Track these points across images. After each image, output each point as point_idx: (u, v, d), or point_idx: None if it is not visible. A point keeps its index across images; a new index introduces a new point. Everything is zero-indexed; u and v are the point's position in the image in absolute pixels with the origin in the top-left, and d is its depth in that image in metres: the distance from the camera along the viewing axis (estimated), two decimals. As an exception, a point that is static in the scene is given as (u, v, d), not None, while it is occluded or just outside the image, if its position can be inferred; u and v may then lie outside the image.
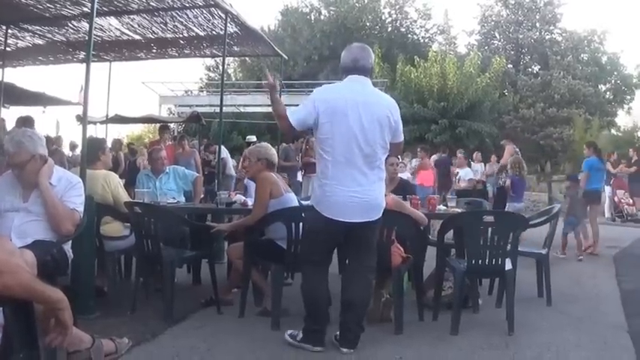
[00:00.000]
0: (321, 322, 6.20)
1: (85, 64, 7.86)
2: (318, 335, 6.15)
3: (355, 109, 6.01)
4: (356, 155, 6.03)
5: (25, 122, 14.54)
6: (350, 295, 6.18)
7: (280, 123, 6.26)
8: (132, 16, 11.77)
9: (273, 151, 8.14)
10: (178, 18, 11.78)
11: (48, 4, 10.92)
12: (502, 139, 20.30)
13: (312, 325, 6.17)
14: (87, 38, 8.27)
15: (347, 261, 6.79)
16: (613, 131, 48.54)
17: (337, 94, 6.13)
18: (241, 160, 19.30)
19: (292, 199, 7.79)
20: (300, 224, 7.06)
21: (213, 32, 12.62)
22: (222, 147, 15.88)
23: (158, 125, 22.45)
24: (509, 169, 15.21)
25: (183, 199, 9.76)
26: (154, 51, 14.82)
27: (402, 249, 7.46)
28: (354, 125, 5.98)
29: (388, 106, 6.28)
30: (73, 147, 22.62)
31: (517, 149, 17.31)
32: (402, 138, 6.51)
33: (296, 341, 6.20)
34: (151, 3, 10.97)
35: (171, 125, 29.48)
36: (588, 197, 14.42)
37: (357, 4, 53.26)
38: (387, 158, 6.82)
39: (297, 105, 6.32)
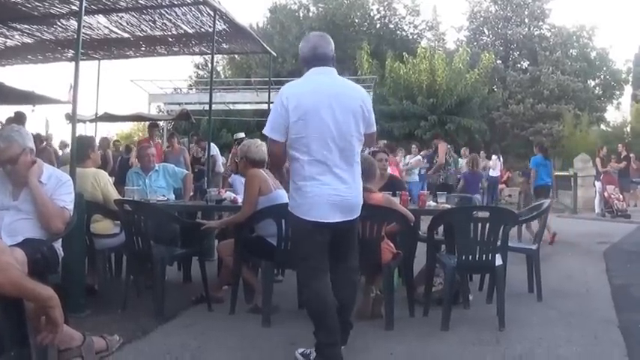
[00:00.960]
0: (333, 333, 5.75)
1: (74, 63, 7.87)
2: (334, 350, 5.72)
3: (327, 104, 5.65)
4: (332, 152, 5.67)
5: (16, 119, 14.62)
6: (338, 296, 5.88)
7: (270, 150, 6.02)
8: (120, 14, 11.73)
9: (257, 148, 7.99)
10: (167, 16, 11.74)
11: (36, 3, 10.86)
12: (433, 140, 20.59)
13: (325, 339, 5.71)
14: (76, 37, 8.27)
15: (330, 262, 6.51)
16: (602, 126, 48.61)
17: (306, 90, 5.74)
18: (230, 157, 19.31)
19: (282, 196, 7.74)
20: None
21: (202, 30, 12.60)
22: (212, 144, 15.89)
23: (147, 123, 22.47)
24: (465, 164, 16.77)
25: (173, 196, 9.78)
26: (143, 49, 14.79)
27: (392, 245, 7.47)
28: (328, 121, 5.64)
29: (361, 97, 5.97)
30: (63, 146, 22.61)
31: (449, 146, 18.12)
32: (375, 128, 6.15)
33: None
34: (140, 1, 10.93)
35: (161, 123, 29.49)
36: (537, 192, 15.83)
37: (345, 1, 53.30)
38: (375, 154, 6.77)
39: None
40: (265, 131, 5.76)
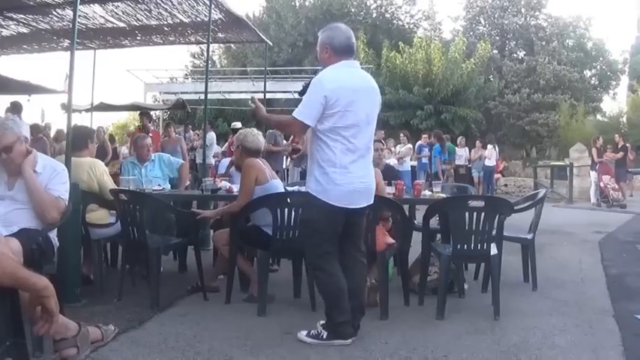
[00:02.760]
0: (347, 312, 6.06)
1: (69, 52, 7.85)
2: (347, 327, 6.05)
3: (362, 97, 6.04)
4: (362, 142, 6.07)
5: (12, 109, 14.71)
6: (351, 281, 6.14)
7: (290, 129, 6.20)
8: (116, 4, 11.72)
9: (253, 137, 7.98)
10: (162, 5, 11.74)
11: (32, -8, 10.88)
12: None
13: (339, 317, 6.02)
14: (71, 26, 8.24)
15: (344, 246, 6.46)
16: (598, 117, 48.63)
17: (347, 84, 5.97)
18: (227, 145, 19.32)
19: (278, 186, 7.79)
20: (286, 210, 7.07)
21: (198, 19, 12.60)
22: (212, 133, 15.94)
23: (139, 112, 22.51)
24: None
25: (168, 186, 9.79)
26: (139, 38, 14.79)
27: (387, 234, 7.50)
28: (363, 113, 6.02)
29: (378, 92, 6.34)
30: (61, 137, 22.62)
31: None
32: None
33: (322, 340, 6.02)
34: (135, -10, 10.96)
35: (157, 112, 29.50)
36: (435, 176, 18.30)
37: (341, -10, 53.19)
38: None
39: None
40: (301, 117, 5.88)
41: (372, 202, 6.25)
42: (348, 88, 5.92)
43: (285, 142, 17.87)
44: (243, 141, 7.93)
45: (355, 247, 6.33)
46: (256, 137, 7.97)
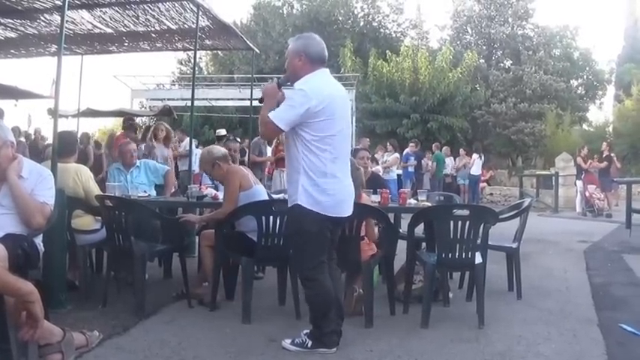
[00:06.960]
0: (334, 321, 6.08)
1: (57, 58, 7.84)
2: (333, 336, 6.05)
3: (342, 105, 6.10)
4: (346, 149, 6.18)
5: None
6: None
7: (264, 128, 5.98)
8: (104, 9, 11.68)
9: (216, 148, 8.36)
10: (150, 11, 11.71)
11: (20, -3, 10.85)
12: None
13: (327, 327, 6.02)
14: (59, 31, 8.24)
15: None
16: (585, 126, 48.71)
17: (329, 91, 5.97)
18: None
19: (262, 192, 7.83)
20: (271, 218, 7.07)
21: (185, 26, 12.57)
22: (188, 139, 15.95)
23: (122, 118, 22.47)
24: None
25: (154, 192, 9.79)
26: (126, 44, 14.74)
27: (371, 245, 7.53)
28: (344, 120, 6.08)
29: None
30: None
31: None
32: None
33: (307, 349, 6.00)
34: (123, -4, 10.94)
35: (143, 118, 29.44)
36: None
37: (329, -1, 53.23)
38: (357, 151, 6.85)
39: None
40: (277, 121, 5.79)
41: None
42: (331, 96, 5.93)
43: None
44: (214, 154, 8.00)
45: (330, 256, 6.26)
46: (214, 147, 8.18)
